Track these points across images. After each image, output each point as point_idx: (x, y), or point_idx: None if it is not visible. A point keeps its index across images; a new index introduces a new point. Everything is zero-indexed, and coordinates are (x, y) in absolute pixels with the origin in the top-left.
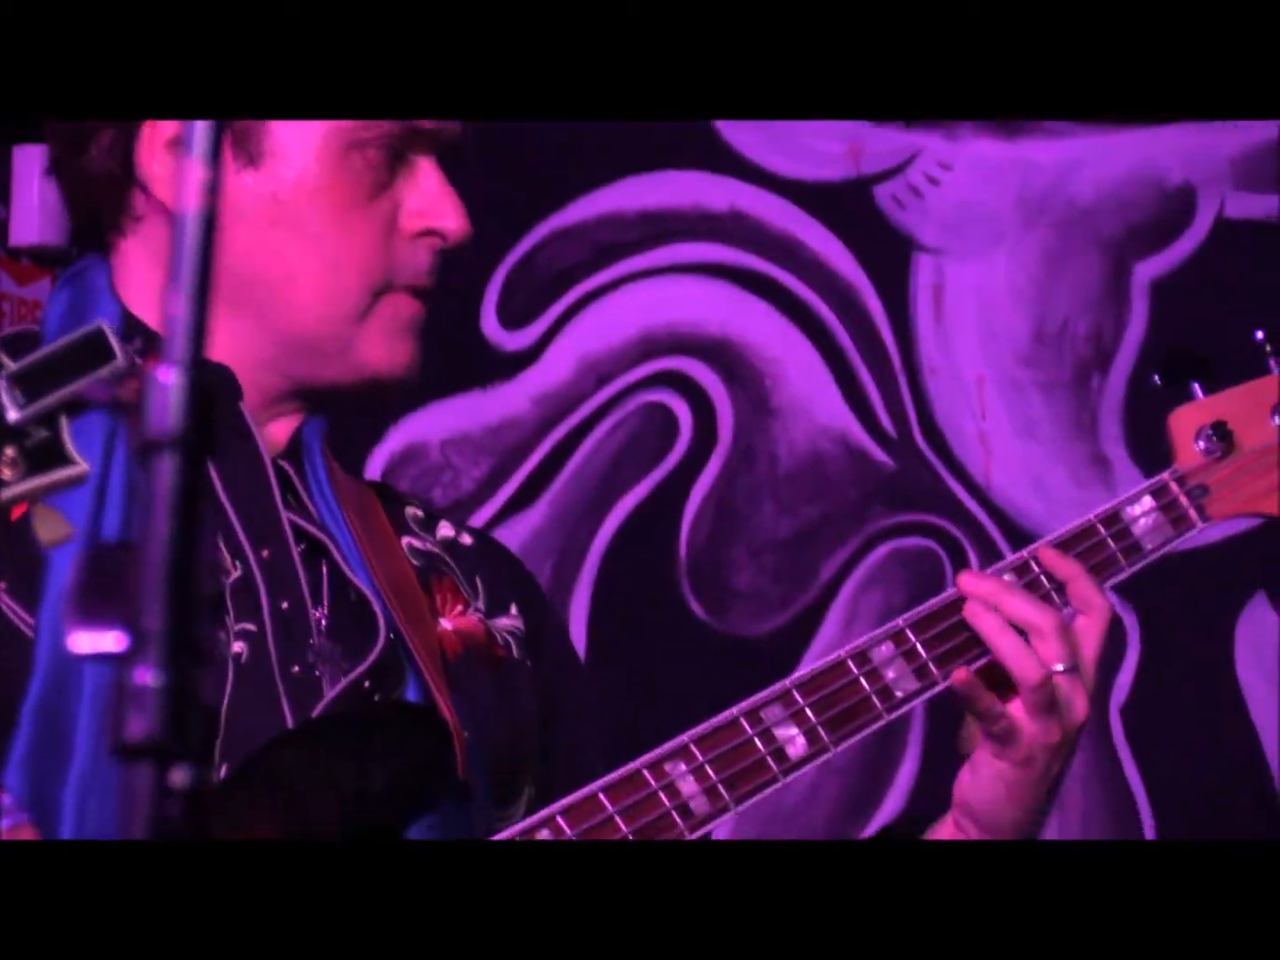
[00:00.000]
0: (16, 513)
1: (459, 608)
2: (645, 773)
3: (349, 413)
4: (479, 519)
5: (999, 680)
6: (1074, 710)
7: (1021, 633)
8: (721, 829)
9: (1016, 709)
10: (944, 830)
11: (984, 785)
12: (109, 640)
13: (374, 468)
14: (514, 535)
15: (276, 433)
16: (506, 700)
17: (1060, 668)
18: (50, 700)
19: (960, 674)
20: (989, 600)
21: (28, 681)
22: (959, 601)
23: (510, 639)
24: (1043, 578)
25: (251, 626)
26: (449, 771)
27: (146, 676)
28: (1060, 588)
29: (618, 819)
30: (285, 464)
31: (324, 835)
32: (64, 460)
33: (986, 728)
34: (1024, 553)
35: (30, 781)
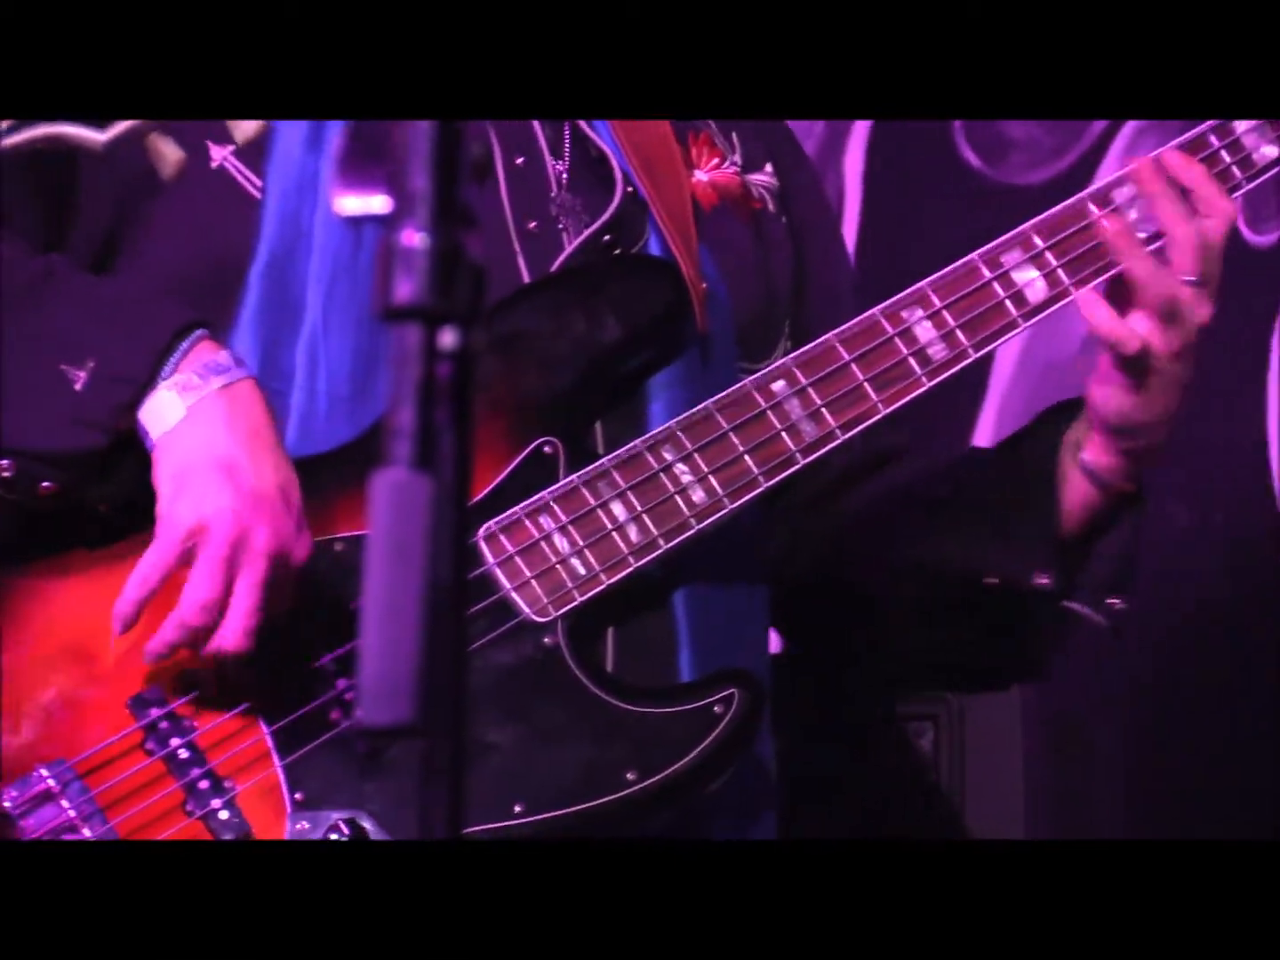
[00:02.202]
0: None
1: (714, 161)
2: (882, 320)
3: None
4: None
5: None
6: (1196, 317)
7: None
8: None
9: (1139, 322)
10: (1088, 445)
11: (1113, 396)
12: (376, 202)
13: None
14: None
15: None
16: (760, 251)
17: (1190, 279)
18: (279, 262)
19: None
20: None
21: (255, 244)
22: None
23: (766, 194)
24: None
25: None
26: (687, 323)
27: (413, 238)
28: (1184, 192)
29: (854, 367)
30: None
31: (563, 386)
32: None
33: (1112, 347)
34: (1149, 157)
35: (260, 342)
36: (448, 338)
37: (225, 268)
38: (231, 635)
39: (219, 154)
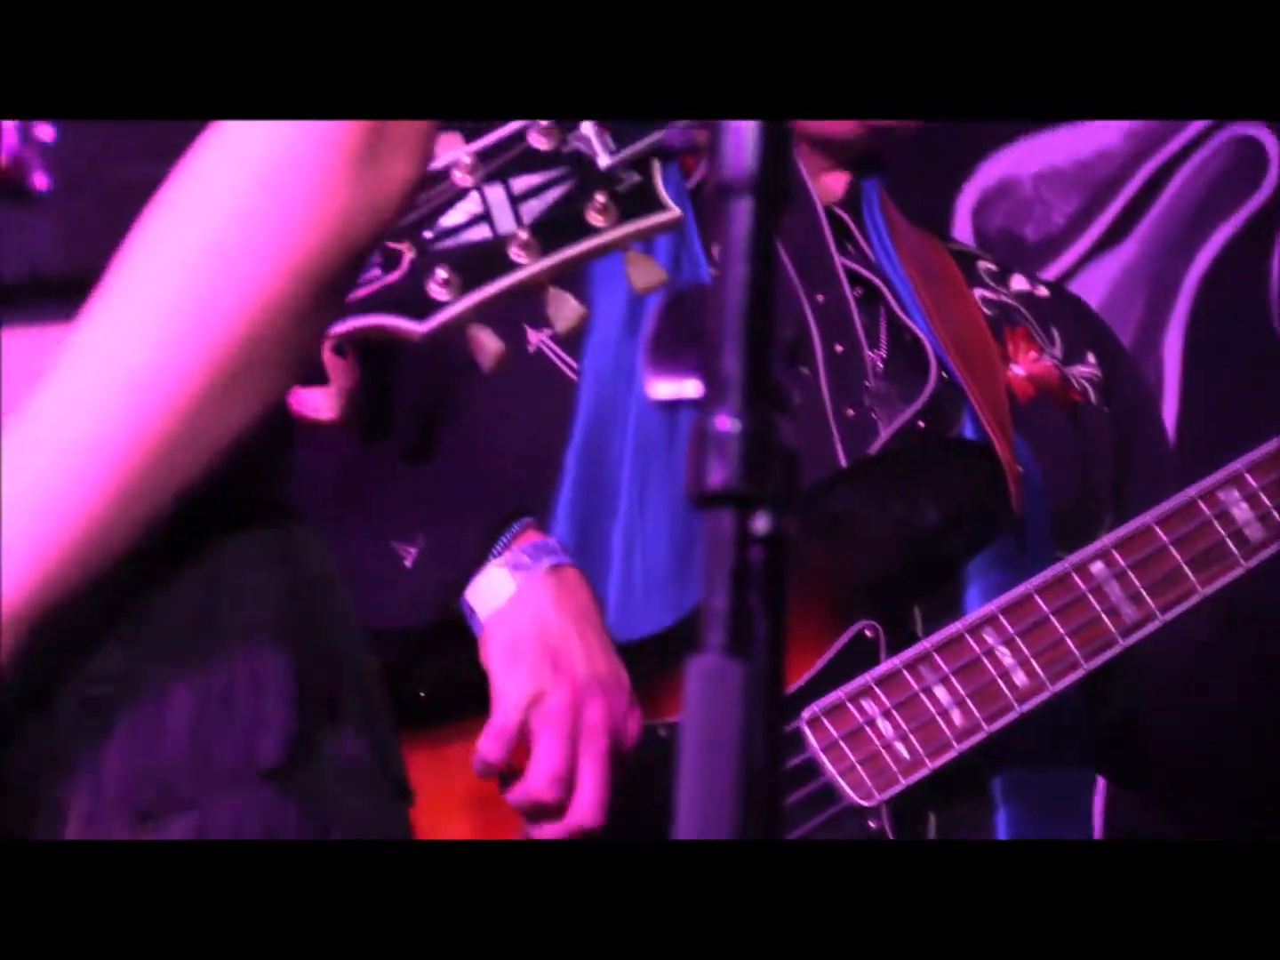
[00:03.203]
0: None
1: (1033, 354)
2: (1199, 501)
3: (935, 150)
4: (1070, 256)
5: None
6: None
7: None
8: None
9: None
10: None
11: None
12: (689, 386)
13: (965, 203)
14: (1104, 272)
15: (832, 183)
16: (1079, 441)
17: None
18: (594, 445)
19: None
20: None
21: (571, 427)
22: None
23: (1087, 385)
24: None
25: (805, 370)
26: (1003, 506)
27: (725, 423)
28: None
29: (1172, 549)
30: (842, 212)
31: (882, 569)
32: (657, 205)
33: None
34: None
35: (576, 524)
36: (761, 522)
37: (542, 450)
38: (589, 809)
39: (536, 338)
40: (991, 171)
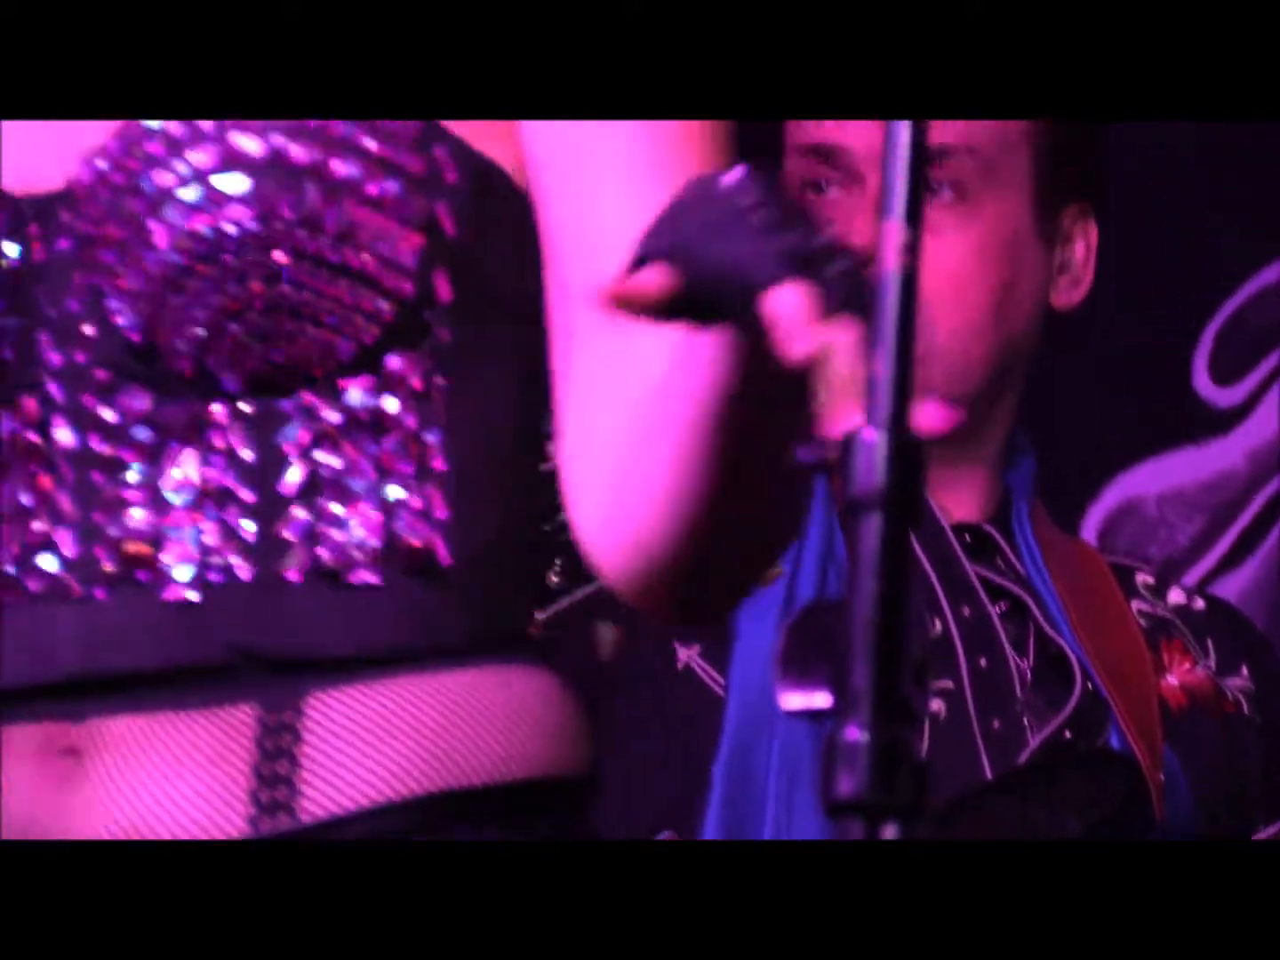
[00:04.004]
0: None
1: (1186, 665)
2: None
3: (1062, 470)
4: (1191, 577)
5: None
6: None
7: None
8: None
9: None
10: None
11: None
12: (819, 699)
13: (1090, 523)
14: (1225, 593)
15: (983, 500)
16: (1231, 752)
17: None
18: (741, 758)
19: None
20: None
21: (719, 742)
22: None
23: (1241, 697)
24: None
25: (949, 684)
26: (1145, 816)
27: (855, 734)
28: None
29: None
30: (991, 529)
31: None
32: None
33: None
34: None
35: (724, 837)
36: (889, 832)
37: (691, 766)
38: None
39: (685, 654)
40: (1116, 493)
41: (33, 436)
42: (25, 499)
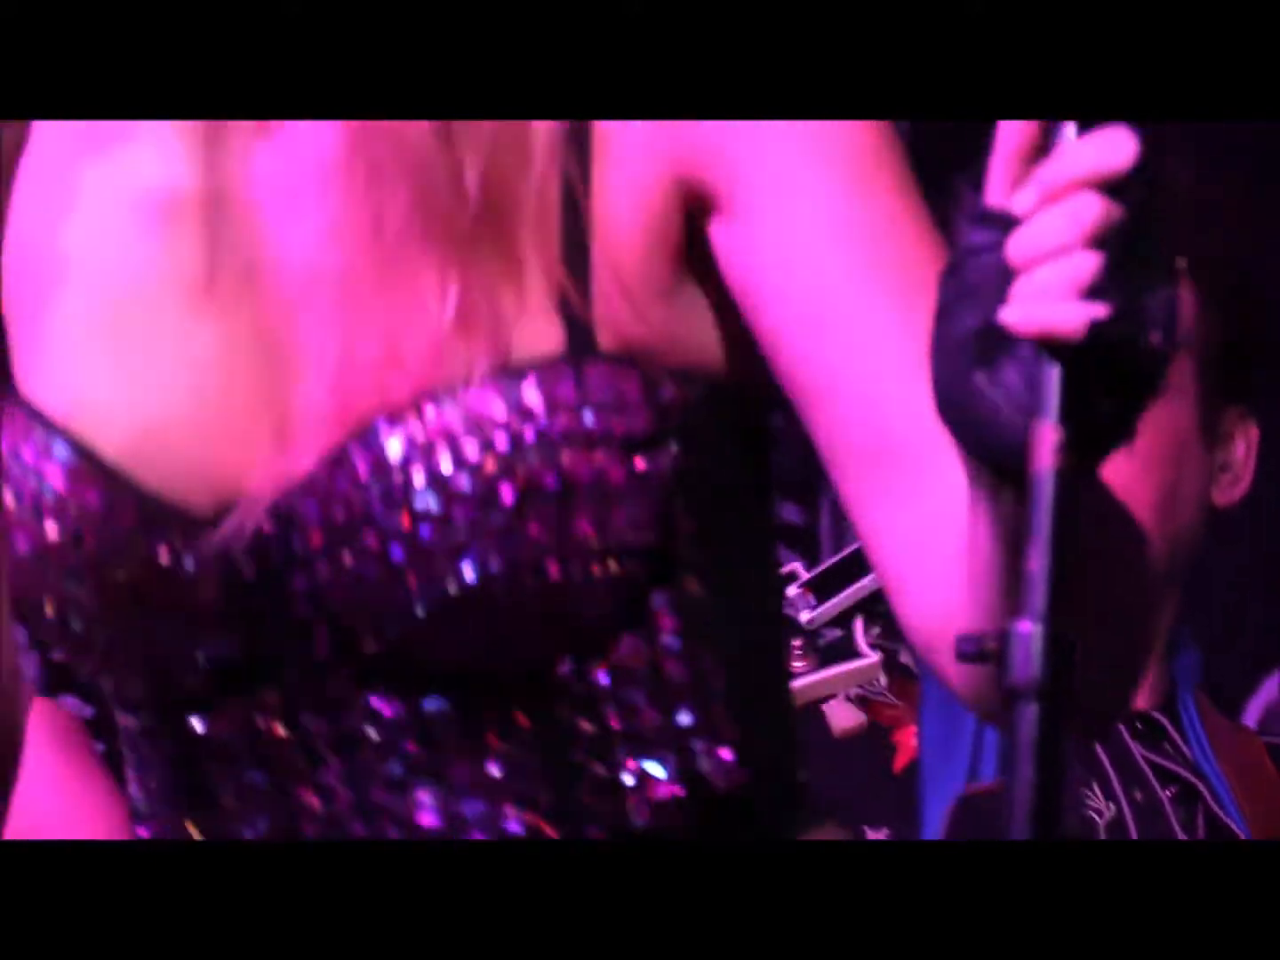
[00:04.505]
0: (900, 762)
1: None
2: None
3: (1224, 662)
4: None
5: None
6: None
7: None
8: None
9: None
10: None
11: None
12: None
13: (1250, 716)
14: None
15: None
16: None
17: None
18: None
19: None
20: None
21: None
22: None
23: None
24: None
25: None
26: None
27: None
28: None
29: None
30: (1160, 716)
31: None
32: (854, 654)
33: None
34: None
35: None
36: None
37: None
38: None
39: None
40: (1272, 686)
41: None
42: None
